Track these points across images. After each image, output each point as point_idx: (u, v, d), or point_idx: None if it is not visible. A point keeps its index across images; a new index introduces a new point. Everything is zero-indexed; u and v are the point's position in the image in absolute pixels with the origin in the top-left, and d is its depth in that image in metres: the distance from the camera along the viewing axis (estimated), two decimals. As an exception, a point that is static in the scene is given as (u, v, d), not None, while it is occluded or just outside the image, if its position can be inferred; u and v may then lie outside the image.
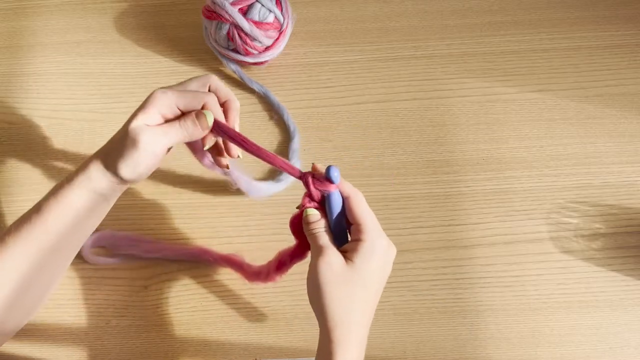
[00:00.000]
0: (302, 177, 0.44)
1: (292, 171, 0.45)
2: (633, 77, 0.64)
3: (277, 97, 0.63)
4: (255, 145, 0.45)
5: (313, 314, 0.54)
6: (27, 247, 0.45)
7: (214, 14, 0.59)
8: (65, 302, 0.55)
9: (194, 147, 0.51)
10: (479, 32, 0.67)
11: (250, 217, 0.58)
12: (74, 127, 0.63)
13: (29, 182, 0.60)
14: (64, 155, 0.61)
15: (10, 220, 0.59)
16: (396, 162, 0.61)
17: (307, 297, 0.55)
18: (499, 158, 0.61)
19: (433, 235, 0.58)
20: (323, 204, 0.44)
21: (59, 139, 0.62)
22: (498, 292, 0.56)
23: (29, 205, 0.59)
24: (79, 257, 0.55)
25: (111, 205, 0.49)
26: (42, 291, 0.49)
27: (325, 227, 0.44)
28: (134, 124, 0.43)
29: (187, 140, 0.45)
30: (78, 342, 0.54)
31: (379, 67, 0.65)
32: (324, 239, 0.43)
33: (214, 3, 0.58)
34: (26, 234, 0.45)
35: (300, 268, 0.56)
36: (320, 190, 0.43)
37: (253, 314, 0.55)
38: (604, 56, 0.65)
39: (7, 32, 0.68)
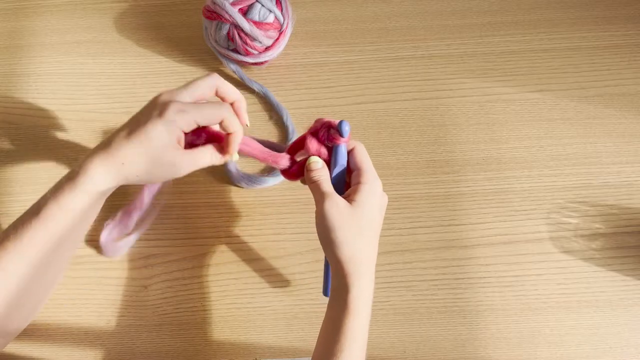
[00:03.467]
0: (321, 126, 0.48)
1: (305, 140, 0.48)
2: (633, 77, 0.64)
3: (277, 97, 0.63)
4: (268, 153, 0.49)
5: (313, 314, 0.55)
6: (28, 251, 0.45)
7: (214, 14, 0.59)
8: (65, 302, 0.55)
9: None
10: (479, 32, 0.67)
11: (250, 217, 0.58)
12: (74, 127, 0.63)
13: (29, 182, 0.60)
14: (64, 155, 0.61)
15: (10, 220, 0.59)
16: (396, 162, 0.61)
17: (306, 297, 0.55)
18: (499, 158, 0.61)
19: (433, 235, 0.58)
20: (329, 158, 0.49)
21: (59, 139, 0.62)
22: (498, 292, 0.56)
23: (29, 205, 0.59)
24: (99, 252, 0.56)
25: (106, 197, 0.48)
26: (43, 292, 0.50)
27: (326, 175, 0.47)
28: (162, 140, 0.43)
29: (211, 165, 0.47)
30: (78, 342, 0.54)
31: (379, 67, 0.65)
32: (327, 185, 0.47)
33: (214, 3, 0.58)
34: (28, 239, 0.44)
35: (300, 268, 0.56)
36: (330, 142, 0.48)
37: (253, 314, 0.55)
38: (604, 56, 0.65)
39: (7, 32, 0.68)
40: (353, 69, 0.65)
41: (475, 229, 0.58)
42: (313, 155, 0.48)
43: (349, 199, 0.46)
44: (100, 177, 0.44)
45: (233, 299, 0.56)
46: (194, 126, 0.45)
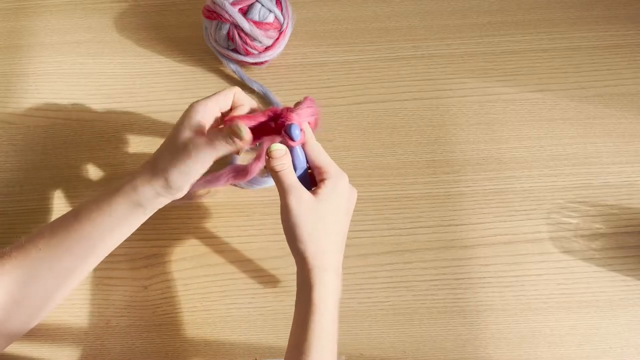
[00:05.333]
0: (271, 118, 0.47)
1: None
2: (633, 77, 0.64)
3: (277, 97, 0.63)
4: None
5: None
6: (60, 252, 0.46)
7: (214, 14, 0.59)
8: (65, 302, 0.55)
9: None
10: (479, 32, 0.67)
11: (250, 217, 0.58)
12: (74, 127, 0.63)
13: (29, 182, 0.60)
14: (64, 155, 0.61)
15: (10, 219, 0.59)
16: (396, 162, 0.61)
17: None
18: (499, 158, 0.61)
19: (433, 235, 0.58)
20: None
21: (59, 139, 0.62)
22: (498, 292, 0.56)
23: (29, 205, 0.59)
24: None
25: (146, 218, 0.49)
26: (62, 294, 0.50)
27: (290, 164, 0.46)
28: (185, 135, 0.46)
29: (231, 152, 0.47)
30: (78, 342, 0.54)
31: (379, 67, 0.65)
32: (291, 178, 0.46)
33: (214, 3, 0.58)
34: (60, 240, 0.46)
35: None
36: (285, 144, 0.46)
37: (253, 314, 0.55)
38: (604, 56, 0.65)
39: (7, 32, 0.68)
40: (353, 69, 0.65)
41: (475, 229, 0.58)
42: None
43: (313, 193, 0.46)
44: (143, 184, 0.46)
45: (233, 299, 0.56)
46: (214, 109, 0.47)
